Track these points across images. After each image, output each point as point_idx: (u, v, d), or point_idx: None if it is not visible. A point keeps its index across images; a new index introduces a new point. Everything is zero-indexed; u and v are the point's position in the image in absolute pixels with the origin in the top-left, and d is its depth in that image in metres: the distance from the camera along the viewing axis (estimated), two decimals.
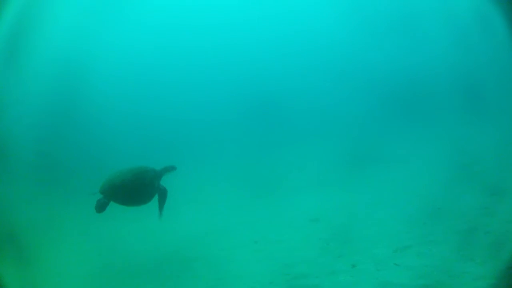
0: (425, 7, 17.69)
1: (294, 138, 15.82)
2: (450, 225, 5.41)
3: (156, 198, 4.81)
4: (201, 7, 22.49)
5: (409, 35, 19.32)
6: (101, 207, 4.55)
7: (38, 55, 13.77)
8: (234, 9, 22.97)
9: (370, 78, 19.92)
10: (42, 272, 5.93)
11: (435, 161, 9.06)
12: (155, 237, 7.50)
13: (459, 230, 5.24)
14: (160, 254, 6.65)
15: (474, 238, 4.93)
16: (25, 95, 12.86)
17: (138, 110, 19.84)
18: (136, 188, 4.58)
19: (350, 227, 6.32)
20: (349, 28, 20.37)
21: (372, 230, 6.02)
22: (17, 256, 5.75)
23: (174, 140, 16.99)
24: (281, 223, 7.42)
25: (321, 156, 12.42)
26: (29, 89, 13.24)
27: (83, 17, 16.40)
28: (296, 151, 13.78)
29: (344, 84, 20.94)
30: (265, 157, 13.59)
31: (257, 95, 19.08)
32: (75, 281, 5.78)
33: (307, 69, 22.70)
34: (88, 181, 5.01)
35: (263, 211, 8.38)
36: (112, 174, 4.68)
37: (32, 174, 10.81)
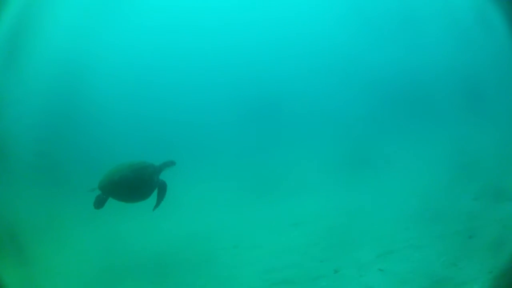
0: (425, 7, 17.75)
1: (290, 140, 15.68)
2: (434, 229, 5.33)
3: (155, 194, 4.71)
4: (201, 8, 22.33)
5: (409, 36, 19.37)
6: (99, 204, 4.47)
7: (38, 55, 13.66)
8: (234, 11, 22.81)
9: (370, 79, 19.84)
10: (42, 272, 5.93)
11: (426, 164, 9.08)
12: (149, 236, 7.51)
13: (442, 235, 5.15)
14: (150, 255, 6.60)
15: (458, 242, 4.85)
16: (25, 95, 12.73)
17: (138, 111, 19.61)
18: (135, 184, 4.47)
19: (332, 231, 6.18)
20: (349, 29, 20.34)
21: (354, 234, 5.88)
22: (17, 256, 5.75)
23: (173, 140, 16.71)
24: (262, 227, 7.23)
25: (312, 159, 12.32)
26: (29, 89, 13.07)
27: (83, 17, 16.27)
28: (288, 154, 13.61)
29: (344, 84, 20.96)
30: (257, 160, 13.52)
31: (256, 97, 19.13)
32: (75, 281, 5.74)
33: (307, 71, 22.65)
34: (88, 181, 4.81)
35: (245, 215, 8.19)
36: (111, 169, 4.55)
37: (32, 174, 10.80)
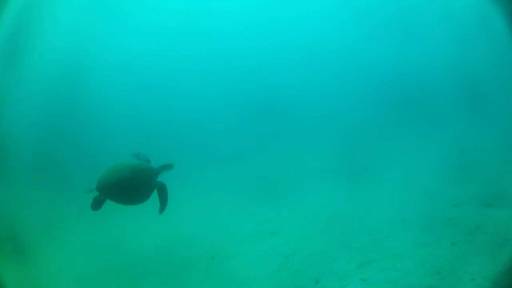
0: (425, 8, 17.84)
1: (282, 144, 15.65)
2: (415, 237, 5.18)
3: (153, 197, 4.69)
4: (202, 9, 22.31)
5: (409, 36, 19.34)
6: (97, 205, 4.39)
7: (38, 55, 13.58)
8: (235, 13, 22.87)
9: (370, 80, 20.04)
10: (42, 272, 5.96)
11: (417, 169, 8.97)
12: (151, 237, 7.49)
13: (423, 243, 5.01)
14: (149, 255, 6.72)
15: (439, 250, 4.72)
16: (25, 95, 12.77)
17: (138, 111, 19.60)
18: (134, 187, 4.38)
19: (311, 240, 5.97)
20: (349, 29, 20.57)
21: (334, 243, 5.69)
22: (17, 256, 5.78)
23: (173, 141, 16.86)
24: (241, 236, 6.99)
25: (301, 165, 12.13)
26: (29, 89, 13.14)
27: (83, 18, 16.26)
28: (278, 160, 13.44)
29: (344, 85, 21.09)
30: (245, 166, 13.32)
31: (254, 99, 19.14)
32: (74, 281, 5.73)
33: (307, 73, 22.72)
34: (88, 181, 4.81)
35: (226, 223, 7.95)
36: (109, 170, 4.44)
37: (32, 174, 10.84)
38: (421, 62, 18.83)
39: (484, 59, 13.22)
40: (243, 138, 17.13)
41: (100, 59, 18.37)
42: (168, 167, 4.88)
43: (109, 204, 4.49)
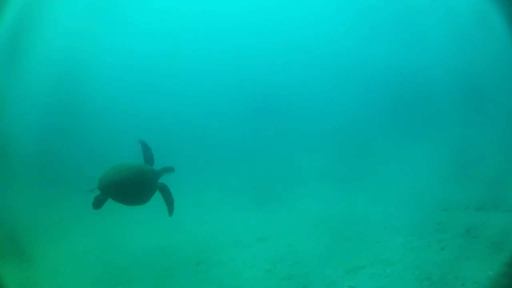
0: (425, 8, 17.77)
1: (278, 147, 15.41)
2: (404, 242, 5.09)
3: (153, 199, 4.71)
4: (202, 9, 22.24)
5: (409, 36, 19.38)
6: (98, 204, 4.38)
7: (39, 54, 13.71)
8: (235, 12, 22.79)
9: (370, 80, 19.92)
10: (42, 272, 5.90)
11: (410, 172, 8.90)
12: (137, 243, 7.35)
13: (413, 248, 4.92)
14: (148, 255, 6.65)
15: (429, 255, 4.62)
16: (26, 95, 12.93)
17: (138, 111, 19.37)
18: (136, 188, 4.40)
19: (299, 246, 5.83)
20: (347, 29, 20.51)
21: (322, 249, 5.57)
22: (17, 256, 5.77)
23: (171, 141, 16.37)
24: (228, 241, 6.80)
25: (297, 169, 11.94)
26: (29, 88, 13.30)
27: (83, 17, 16.21)
28: (275, 163, 13.23)
29: (345, 85, 20.96)
30: (241, 169, 13.14)
31: (252, 98, 19.08)
32: (74, 281, 5.71)
33: (306, 73, 22.64)
34: (88, 181, 4.77)
35: (213, 228, 7.76)
36: (110, 169, 4.46)
37: (33, 174, 10.87)
38: (419, 63, 18.78)
39: (483, 59, 13.28)
40: (234, 142, 16.99)
41: (101, 58, 18.34)
42: (169, 169, 4.90)
43: (108, 204, 4.48)
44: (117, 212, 4.86)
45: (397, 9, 19.06)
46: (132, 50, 21.29)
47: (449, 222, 5.48)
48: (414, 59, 19.19)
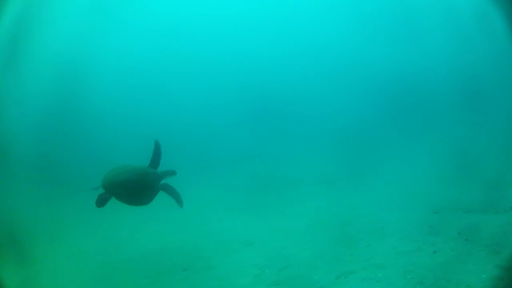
0: (426, 8, 17.87)
1: (265, 151, 15.44)
2: (396, 245, 4.96)
3: (155, 200, 4.83)
4: (203, 11, 22.28)
5: (409, 36, 19.38)
6: (101, 202, 4.47)
7: (38, 56, 13.89)
8: (236, 14, 22.85)
9: (370, 81, 19.96)
10: (42, 272, 5.88)
11: (394, 180, 8.78)
12: (125, 247, 7.22)
13: (405, 251, 4.79)
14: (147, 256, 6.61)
15: (421, 259, 4.50)
16: (26, 96, 13.08)
17: (137, 112, 19.61)
18: (138, 189, 4.54)
19: (288, 250, 5.66)
20: (348, 30, 20.56)
21: (312, 253, 5.40)
22: (17, 256, 5.78)
23: (167, 142, 16.43)
24: (212, 247, 6.60)
25: (290, 172, 11.83)
26: (29, 89, 13.46)
27: (83, 19, 16.36)
28: (257, 168, 13.09)
29: (345, 85, 20.97)
30: (226, 172, 13.03)
31: (249, 101, 19.14)
32: (74, 281, 5.66)
33: (306, 74, 22.64)
34: (87, 181, 4.89)
35: (195, 234, 7.54)
36: (115, 169, 4.59)
37: (33, 174, 10.97)
38: (421, 61, 18.82)
39: (483, 60, 13.37)
40: (231, 144, 16.94)
41: (101, 60, 18.47)
42: (171, 173, 5.00)
43: (108, 204, 4.54)
44: (116, 213, 4.96)
45: (398, 11, 19.19)
46: (132, 52, 21.38)
47: (441, 225, 5.38)
48: (413, 60, 19.23)
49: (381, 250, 4.93)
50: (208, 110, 21.06)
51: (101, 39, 18.10)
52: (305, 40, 23.08)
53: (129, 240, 7.51)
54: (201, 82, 22.80)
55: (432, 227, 5.31)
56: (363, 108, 17.70)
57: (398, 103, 16.83)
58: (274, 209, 8.40)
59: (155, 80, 22.12)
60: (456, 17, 15.08)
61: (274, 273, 4.99)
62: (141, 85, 21.34)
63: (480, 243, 4.66)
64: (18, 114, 12.05)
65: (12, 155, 10.20)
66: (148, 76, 21.86)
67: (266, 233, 6.75)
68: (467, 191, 6.50)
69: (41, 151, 12.10)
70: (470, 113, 11.47)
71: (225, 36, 23.12)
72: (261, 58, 23.03)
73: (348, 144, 12.67)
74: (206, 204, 9.69)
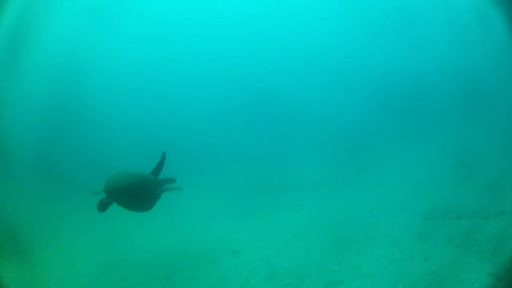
0: (426, 8, 17.93)
1: (257, 156, 15.24)
2: (385, 253, 4.80)
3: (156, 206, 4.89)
4: (204, 15, 22.15)
5: (409, 36, 19.42)
6: (103, 207, 4.56)
7: (38, 56, 13.93)
8: (236, 18, 22.75)
9: (371, 80, 19.96)
10: (42, 272, 5.89)
11: (387, 184, 8.61)
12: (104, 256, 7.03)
13: (395, 259, 4.63)
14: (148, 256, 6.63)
15: (412, 268, 4.34)
16: (26, 96, 13.16)
17: (137, 113, 19.76)
18: (140, 194, 4.61)
19: (275, 259, 5.47)
20: (349, 31, 20.54)
21: (299, 261, 5.22)
22: (17, 257, 5.81)
23: (162, 144, 16.38)
24: (197, 256, 6.39)
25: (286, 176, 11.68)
26: (29, 90, 13.54)
27: (83, 20, 16.44)
28: (248, 173, 12.89)
29: (345, 86, 20.95)
30: (214, 178, 12.91)
31: (248, 106, 19.01)
32: (74, 281, 5.67)
33: (307, 74, 22.61)
34: (88, 182, 5.03)
35: (179, 242, 7.31)
36: (117, 174, 4.66)
37: (32, 175, 11.13)
38: (421, 61, 18.77)
39: (483, 60, 13.42)
40: (218, 151, 16.80)
41: (101, 61, 18.51)
42: (171, 180, 5.08)
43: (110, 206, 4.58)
44: (109, 216, 4.88)
45: (398, 14, 19.26)
46: (132, 54, 21.36)
47: (431, 231, 5.23)
48: (412, 60, 19.26)
49: (370, 259, 4.76)
50: (204, 115, 21.08)
51: (102, 40, 18.23)
52: (309, 44, 23.19)
53: (116, 248, 7.37)
54: (200, 86, 22.86)
55: (423, 234, 5.16)
56: (357, 113, 17.70)
57: (393, 108, 16.84)
58: (263, 215, 8.22)
59: (155, 81, 22.23)
60: (456, 19, 15.24)
61: (260, 284, 4.81)
62: (140, 87, 21.42)
63: (472, 250, 4.53)
64: (19, 115, 12.18)
65: (13, 156, 10.26)
66: (148, 78, 21.97)
67: (253, 241, 6.56)
68: (457, 195, 6.37)
69: (42, 151, 12.31)
70: (467, 114, 11.49)
71: (226, 39, 23.19)
72: (261, 61, 23.06)
73: (339, 149, 12.58)
74: (195, 209, 9.53)
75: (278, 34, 23.03)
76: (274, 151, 15.61)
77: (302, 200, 8.78)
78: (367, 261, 4.70)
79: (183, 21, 22.07)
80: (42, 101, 14.33)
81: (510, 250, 4.40)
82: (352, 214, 6.67)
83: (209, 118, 20.50)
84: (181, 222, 8.83)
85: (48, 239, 7.60)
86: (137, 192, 4.56)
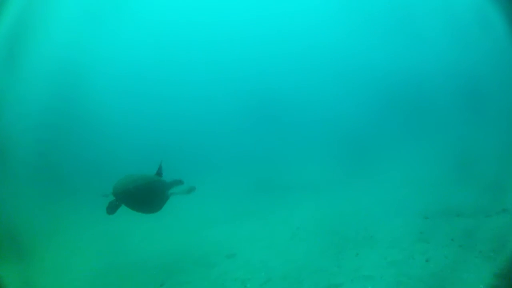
0: (426, 8, 17.84)
1: (253, 157, 15.25)
2: (385, 254, 4.64)
3: (164, 208, 4.95)
4: (205, 17, 22.10)
5: (409, 36, 19.39)
6: (112, 209, 4.61)
7: (39, 58, 14.00)
8: (240, 19, 22.77)
9: (370, 80, 19.90)
10: (42, 272, 5.89)
11: (386, 184, 8.48)
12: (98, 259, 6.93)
13: (395, 261, 4.48)
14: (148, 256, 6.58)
15: (413, 269, 4.18)
16: (26, 96, 13.18)
17: (137, 114, 19.82)
18: (149, 196, 4.69)
19: (272, 262, 5.30)
20: (349, 32, 20.51)
21: (296, 264, 5.05)
22: (17, 256, 5.82)
23: (166, 142, 16.84)
24: (193, 259, 6.21)
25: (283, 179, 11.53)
26: (30, 90, 13.60)
27: (82, 23, 16.50)
28: (244, 175, 12.76)
29: (346, 86, 20.86)
30: (209, 180, 12.50)
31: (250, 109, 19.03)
32: (74, 281, 5.64)
33: (308, 75, 22.55)
34: (88, 182, 5.48)
35: (173, 246, 7.14)
36: (125, 178, 4.72)
37: (33, 176, 10.98)
38: (421, 61, 18.75)
39: (484, 60, 13.34)
40: (215, 153, 16.69)
41: (102, 62, 18.54)
42: (178, 182, 5.18)
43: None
44: (109, 218, 4.85)
45: (398, 14, 19.22)
46: (133, 55, 21.35)
47: (432, 231, 5.08)
48: (415, 60, 19.20)
49: (370, 260, 4.60)
50: (204, 117, 21.06)
51: (103, 40, 18.28)
52: (310, 45, 23.16)
53: (114, 249, 7.30)
54: (200, 88, 22.80)
55: (423, 233, 5.01)
56: (357, 113, 17.67)
57: (392, 108, 16.81)
58: (260, 217, 8.06)
59: (155, 83, 22.19)
60: (456, 20, 15.18)
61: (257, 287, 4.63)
62: (140, 88, 21.44)
63: (475, 249, 4.39)
64: (19, 115, 12.22)
65: (14, 156, 10.33)
66: (149, 80, 21.94)
67: (250, 243, 6.38)
68: (457, 195, 6.22)
69: (43, 152, 12.34)
70: (467, 114, 11.42)
71: (227, 42, 23.15)
72: (261, 62, 23.02)
73: (339, 149, 12.50)
74: (193, 211, 9.39)
75: (279, 35, 23.04)
76: (274, 152, 15.54)
77: (301, 201, 8.64)
78: (367, 262, 4.54)
79: (183, 24, 22.09)
80: (41, 102, 14.32)
81: None
82: (351, 215, 6.52)
83: (209, 120, 20.49)
84: (178, 224, 8.68)
85: (48, 239, 7.60)
86: (146, 194, 4.63)
